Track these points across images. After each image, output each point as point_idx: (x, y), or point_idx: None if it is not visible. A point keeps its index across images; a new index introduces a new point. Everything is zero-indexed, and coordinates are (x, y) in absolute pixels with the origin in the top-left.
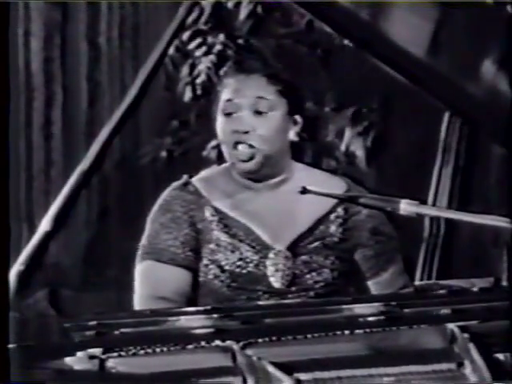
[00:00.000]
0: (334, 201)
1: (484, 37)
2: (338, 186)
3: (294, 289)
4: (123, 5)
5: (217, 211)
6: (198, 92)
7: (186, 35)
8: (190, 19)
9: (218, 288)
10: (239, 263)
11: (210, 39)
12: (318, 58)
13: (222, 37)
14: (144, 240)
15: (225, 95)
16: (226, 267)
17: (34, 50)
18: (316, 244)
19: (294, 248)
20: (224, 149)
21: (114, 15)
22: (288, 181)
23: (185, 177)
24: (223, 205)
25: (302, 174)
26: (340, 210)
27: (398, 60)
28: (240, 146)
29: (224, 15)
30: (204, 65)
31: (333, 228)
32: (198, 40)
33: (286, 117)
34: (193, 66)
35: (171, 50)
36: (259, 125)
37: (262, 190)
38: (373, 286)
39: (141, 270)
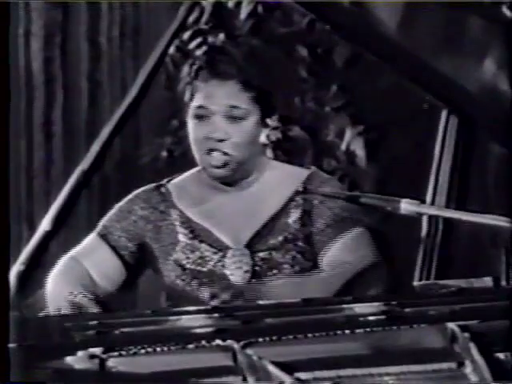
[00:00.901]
0: (292, 190)
1: (484, 36)
2: (299, 174)
3: (253, 282)
4: (124, 4)
5: (181, 214)
6: None
7: (186, 35)
8: (191, 19)
9: (181, 287)
10: (199, 261)
11: (210, 39)
12: (318, 57)
13: (222, 36)
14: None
15: (197, 100)
16: (187, 266)
17: (35, 49)
18: (274, 240)
19: (253, 245)
20: (195, 153)
21: (114, 15)
22: (258, 180)
23: (164, 180)
24: (188, 209)
25: (271, 171)
26: (298, 199)
27: (397, 59)
28: (213, 153)
29: (224, 15)
30: None
31: (293, 217)
32: (199, 40)
33: (259, 122)
34: (193, 66)
35: (172, 50)
36: (234, 132)
37: (231, 192)
38: (327, 258)
39: (86, 239)
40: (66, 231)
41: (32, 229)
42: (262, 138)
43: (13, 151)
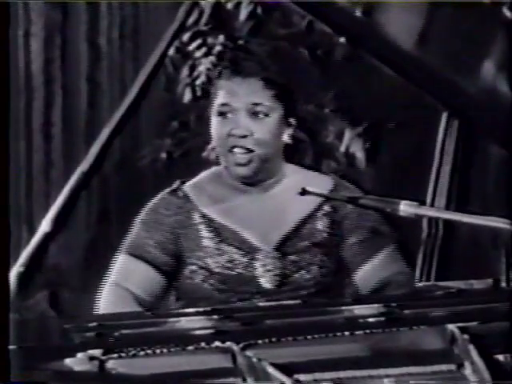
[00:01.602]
0: (321, 198)
1: (483, 37)
2: (324, 183)
3: (284, 288)
4: (123, 5)
5: (205, 217)
6: (198, 93)
7: (186, 36)
8: (190, 20)
9: (208, 292)
10: (228, 265)
11: (209, 40)
12: (318, 58)
13: (221, 38)
14: (127, 236)
15: (220, 98)
16: (216, 270)
17: (34, 50)
18: (304, 243)
19: (282, 248)
20: (219, 151)
21: (114, 16)
22: (279, 182)
23: (177, 182)
24: (212, 210)
25: (292, 175)
26: (326, 207)
27: (397, 60)
28: (236, 150)
29: (224, 16)
30: (204, 66)
31: (319, 225)
32: (198, 41)
33: (282, 120)
34: (193, 67)
35: (171, 51)
36: (256, 129)
37: (253, 193)
38: (363, 274)
39: (116, 262)
40: (65, 232)
41: (32, 230)
42: (285, 138)
43: (12, 152)
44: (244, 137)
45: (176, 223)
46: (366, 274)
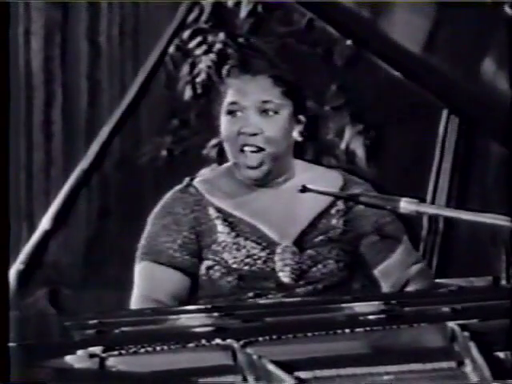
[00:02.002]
0: (331, 197)
1: (484, 36)
2: (335, 179)
3: (302, 283)
4: (123, 4)
5: (220, 211)
6: (199, 91)
7: (186, 34)
8: (191, 18)
9: (225, 287)
10: (247, 260)
11: (210, 38)
12: (319, 56)
13: (222, 36)
14: (143, 240)
15: (229, 96)
16: (234, 266)
17: (34, 49)
18: (320, 238)
19: (300, 243)
20: (229, 150)
21: (114, 14)
22: (290, 179)
23: (186, 179)
24: (226, 204)
25: (302, 171)
26: (340, 204)
27: (398, 58)
28: (247, 148)
29: (224, 14)
30: (204, 64)
31: (334, 221)
32: (199, 39)
33: (292, 117)
34: (193, 65)
35: (171, 49)
36: (266, 127)
37: (265, 189)
38: (384, 269)
39: (138, 270)
40: (65, 230)
41: (32, 228)
42: (296, 135)
43: (12, 150)
44: (254, 135)
45: (194, 221)
46: (386, 269)
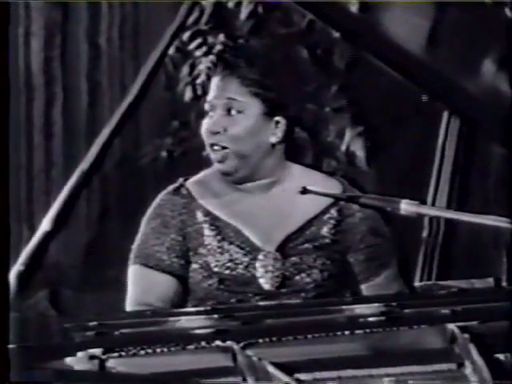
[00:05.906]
0: (328, 202)
1: (484, 37)
2: (333, 187)
3: (283, 290)
4: (124, 5)
5: (208, 214)
6: (199, 92)
7: (186, 35)
8: (191, 19)
9: (208, 291)
10: (228, 264)
11: (210, 39)
12: (319, 58)
13: (222, 37)
14: (135, 243)
15: (208, 95)
16: (215, 269)
17: (35, 49)
18: (306, 245)
19: (284, 249)
20: (207, 150)
21: (114, 15)
22: (280, 182)
23: (180, 180)
24: (215, 207)
25: (297, 176)
26: (333, 212)
27: (398, 60)
28: (215, 147)
29: (224, 15)
30: (204, 65)
31: (325, 229)
32: (199, 40)
33: (262, 118)
34: (193, 66)
35: (171, 50)
36: (230, 125)
37: (254, 192)
38: (366, 289)
39: (130, 273)
40: (66, 231)
41: (32, 229)
42: (271, 138)
43: (13, 151)
44: (217, 133)
45: (182, 223)
46: (369, 290)
